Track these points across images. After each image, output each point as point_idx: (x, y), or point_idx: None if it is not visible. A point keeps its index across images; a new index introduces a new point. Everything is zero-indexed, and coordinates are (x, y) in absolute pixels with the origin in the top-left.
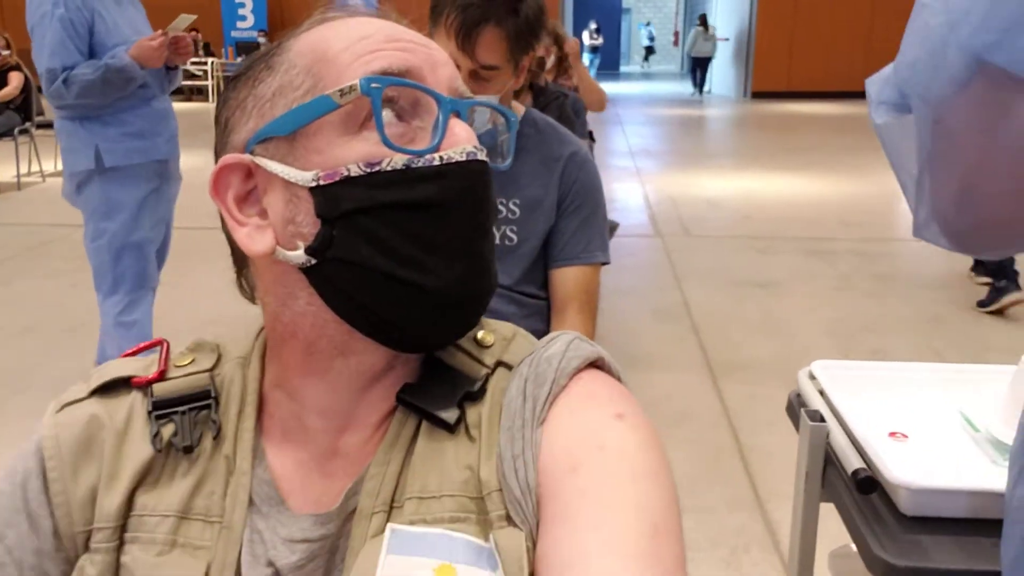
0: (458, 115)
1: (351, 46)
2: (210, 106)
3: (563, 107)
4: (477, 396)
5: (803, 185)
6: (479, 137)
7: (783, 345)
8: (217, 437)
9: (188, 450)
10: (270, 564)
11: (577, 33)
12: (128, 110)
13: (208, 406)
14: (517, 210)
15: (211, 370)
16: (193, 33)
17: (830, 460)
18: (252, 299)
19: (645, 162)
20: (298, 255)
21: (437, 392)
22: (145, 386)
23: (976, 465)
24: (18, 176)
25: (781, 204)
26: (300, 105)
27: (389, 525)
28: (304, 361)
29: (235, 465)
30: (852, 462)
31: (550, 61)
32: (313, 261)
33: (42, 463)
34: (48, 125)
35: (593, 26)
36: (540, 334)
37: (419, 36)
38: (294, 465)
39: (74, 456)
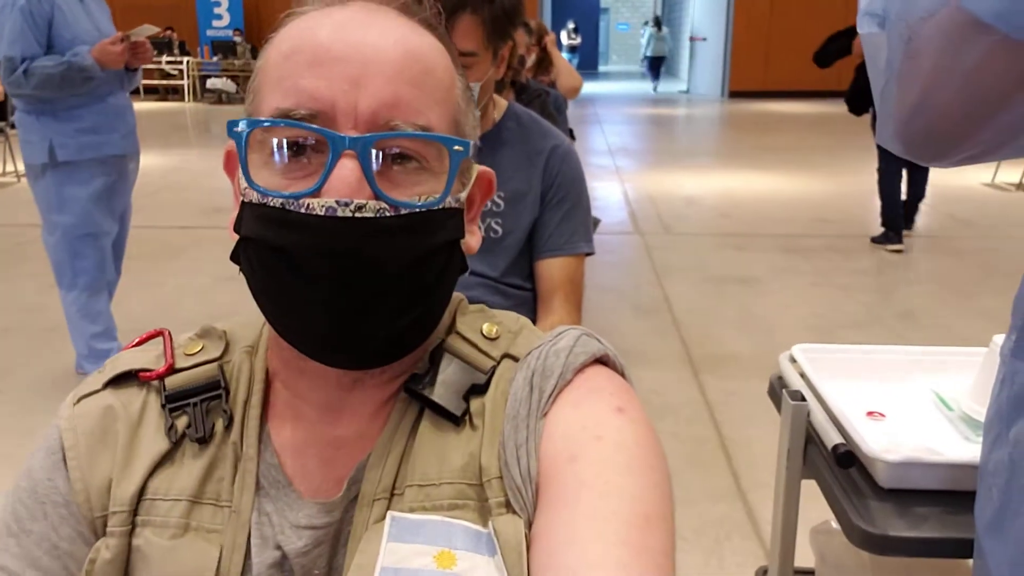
0: (358, 154)
1: (277, 65)
2: (185, 105)
3: (545, 104)
4: (483, 389)
5: (779, 183)
6: None
7: (762, 340)
8: (229, 426)
9: (202, 441)
10: (278, 547)
11: (555, 32)
12: (82, 106)
13: (219, 396)
14: (501, 203)
15: (220, 359)
16: (168, 32)
17: (810, 439)
18: None
19: (624, 160)
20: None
21: (443, 382)
22: (157, 379)
23: (950, 441)
24: None
25: (758, 202)
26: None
27: (389, 513)
28: (291, 356)
29: (242, 451)
30: (832, 438)
31: (530, 60)
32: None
33: (62, 453)
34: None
35: (571, 25)
36: None
37: (364, 42)
38: (298, 451)
39: (91, 446)
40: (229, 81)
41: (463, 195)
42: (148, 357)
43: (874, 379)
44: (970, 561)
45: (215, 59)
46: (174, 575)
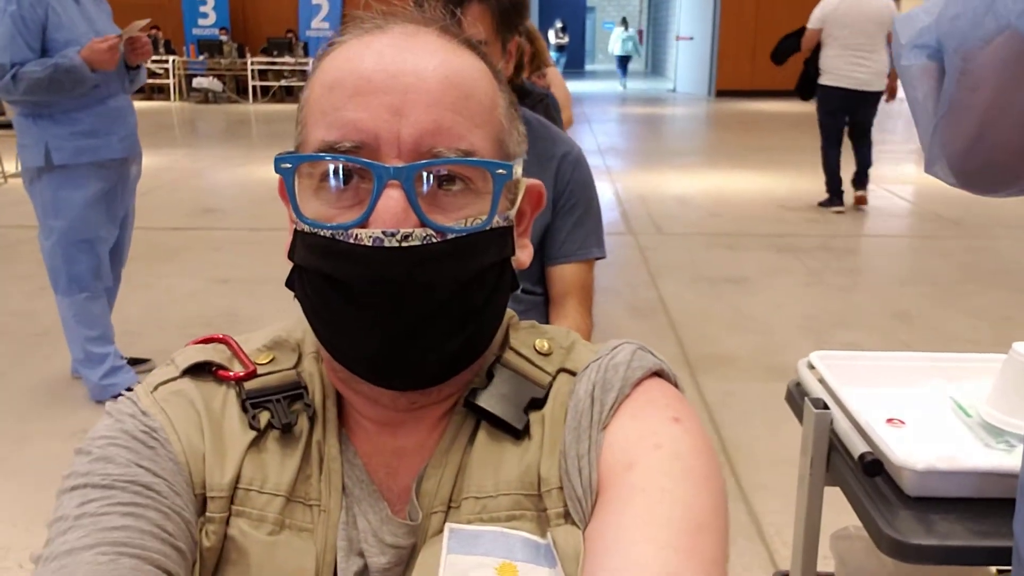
0: (402, 184)
1: (321, 98)
2: (172, 105)
3: (548, 108)
4: (542, 403)
5: (768, 182)
6: None
7: (758, 340)
8: (313, 421)
9: (287, 428)
10: (361, 555)
11: (543, 32)
12: (80, 108)
13: (299, 395)
14: None
15: (295, 367)
16: (153, 31)
17: (833, 446)
18: None
19: (614, 160)
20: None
21: (503, 396)
22: (235, 382)
23: (971, 448)
24: None
25: (748, 201)
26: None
27: (447, 524)
28: (346, 376)
29: (325, 451)
30: (857, 447)
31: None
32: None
33: (152, 434)
34: (9, 125)
35: (559, 25)
36: None
37: (403, 70)
38: (368, 457)
39: (181, 423)
40: (215, 80)
41: (512, 212)
42: (220, 355)
43: (891, 385)
44: (994, 568)
45: (201, 58)
46: (275, 571)
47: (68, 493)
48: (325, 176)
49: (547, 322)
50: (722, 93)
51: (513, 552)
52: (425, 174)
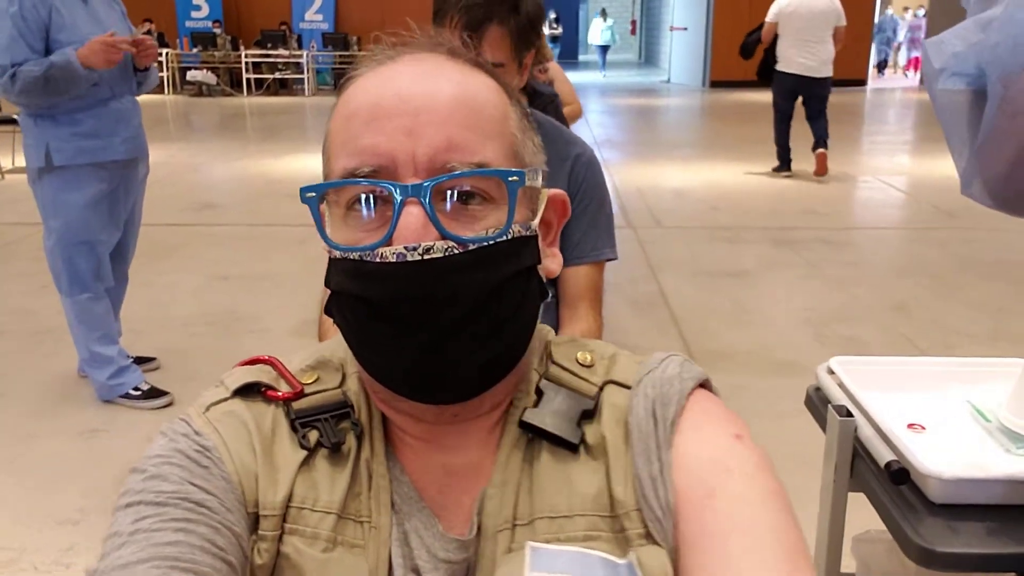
0: (421, 200)
1: (340, 129)
2: (165, 98)
3: (558, 109)
4: (592, 414)
5: (765, 175)
6: None
7: (760, 334)
8: (360, 439)
9: (336, 447)
10: (416, 571)
11: None
12: (82, 109)
13: (346, 414)
14: None
15: (340, 386)
16: (148, 24)
17: (856, 452)
18: None
19: (610, 153)
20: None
21: (555, 412)
22: (283, 402)
23: (992, 454)
24: None
25: (745, 194)
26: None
27: (528, 543)
28: (387, 396)
29: (373, 468)
30: (883, 454)
31: None
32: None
33: (206, 453)
34: (7, 121)
35: (552, 15)
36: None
37: (414, 94)
38: (417, 475)
39: (234, 444)
40: (209, 73)
41: (535, 222)
42: (266, 376)
43: (910, 391)
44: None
45: (195, 51)
46: None
47: (123, 510)
48: (350, 203)
49: (557, 323)
50: (716, 84)
51: (593, 571)
52: (447, 191)
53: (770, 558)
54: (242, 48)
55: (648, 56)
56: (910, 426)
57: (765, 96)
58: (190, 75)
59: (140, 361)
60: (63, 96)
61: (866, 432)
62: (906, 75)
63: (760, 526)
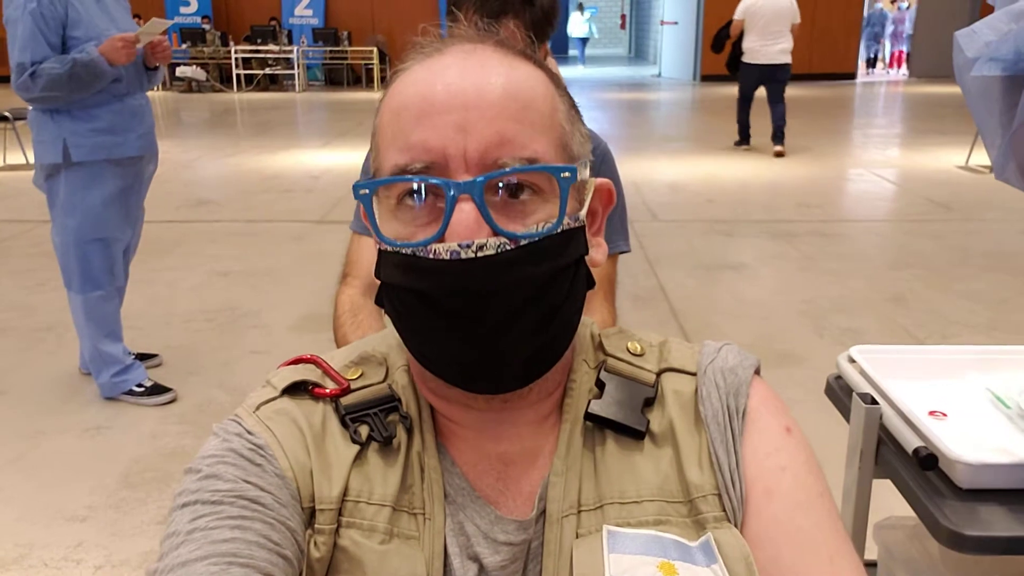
0: (472, 197)
1: (390, 124)
2: (155, 94)
3: None
4: (653, 401)
5: (758, 168)
6: None
7: (759, 326)
8: (410, 432)
9: (388, 441)
10: (475, 559)
11: None
12: (99, 105)
13: (395, 408)
14: None
15: (385, 381)
16: (135, 19)
17: (880, 439)
18: None
19: None
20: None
21: (618, 402)
22: (331, 398)
23: (1015, 440)
24: None
25: (740, 187)
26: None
27: (605, 527)
28: (437, 386)
29: (425, 461)
30: (909, 440)
31: None
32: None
33: (260, 451)
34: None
35: None
36: None
37: (464, 88)
38: (470, 464)
39: (287, 441)
40: (199, 69)
41: (582, 212)
42: (312, 374)
43: (929, 379)
44: None
45: (184, 47)
46: None
47: (180, 510)
48: (401, 197)
49: None
50: (707, 78)
51: (668, 552)
52: (497, 185)
53: (813, 562)
54: (231, 44)
55: (638, 50)
56: (931, 413)
57: (758, 90)
58: (179, 71)
59: (142, 358)
60: (85, 93)
61: (891, 419)
62: (888, 72)
63: (806, 531)
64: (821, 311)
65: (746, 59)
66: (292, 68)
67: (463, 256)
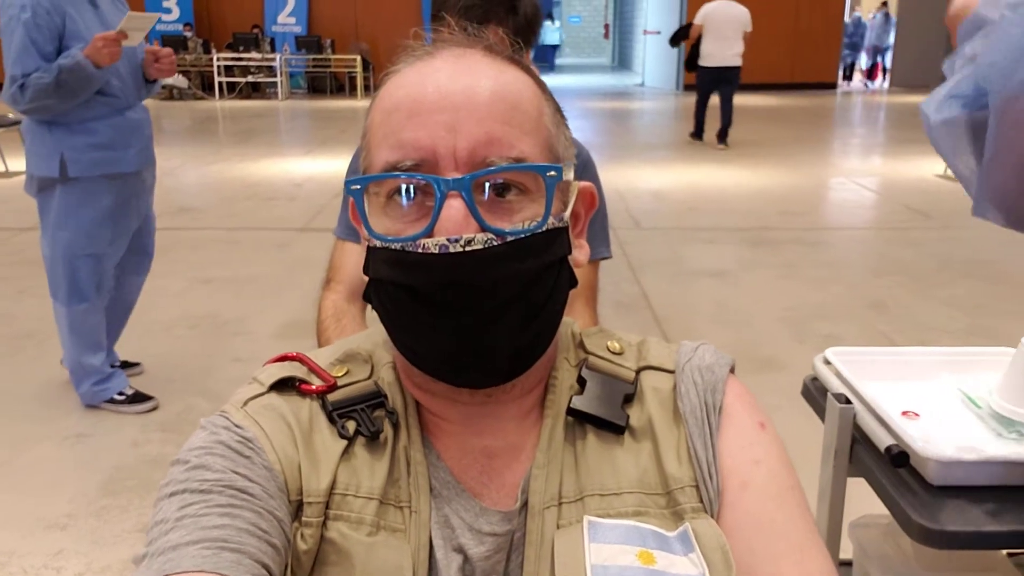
0: (463, 194)
1: (382, 123)
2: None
3: None
4: (632, 397)
5: (742, 176)
6: None
7: (741, 333)
8: (396, 427)
9: (375, 435)
10: (459, 550)
11: None
12: (97, 120)
13: (381, 403)
14: None
15: (371, 377)
16: None
17: (854, 438)
18: None
19: None
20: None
21: (598, 398)
22: (317, 395)
23: (985, 438)
24: None
25: (722, 195)
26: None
27: (586, 517)
28: (422, 381)
29: (411, 455)
30: (883, 439)
31: None
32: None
33: (249, 443)
34: None
35: None
36: None
37: (454, 90)
38: (454, 459)
39: (276, 435)
40: (180, 77)
41: (566, 213)
42: (298, 371)
43: (902, 380)
44: (1004, 552)
45: None
46: (376, 570)
47: (167, 499)
48: (391, 194)
49: None
50: (690, 87)
51: (647, 542)
52: (485, 184)
53: (784, 551)
54: (214, 51)
55: (622, 59)
56: (904, 413)
57: (738, 99)
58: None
59: (125, 366)
60: (76, 100)
61: (865, 418)
62: (866, 85)
63: (778, 523)
64: (802, 318)
65: (702, 63)
66: (275, 76)
67: (451, 250)
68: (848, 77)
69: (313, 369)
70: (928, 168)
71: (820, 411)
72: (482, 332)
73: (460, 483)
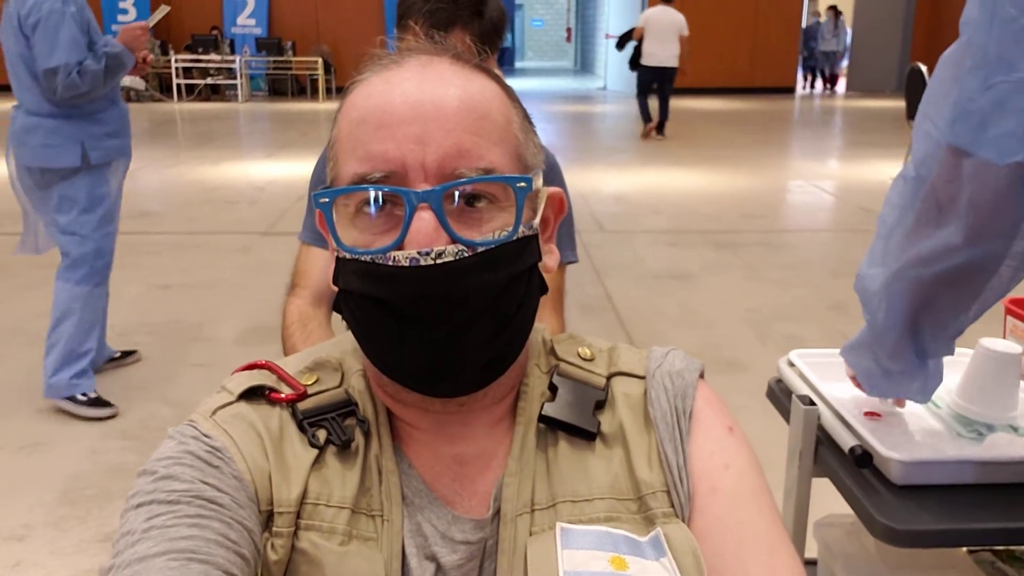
0: (431, 205)
1: (349, 134)
2: None
3: None
4: (603, 404)
5: (704, 180)
6: None
7: (705, 335)
8: (368, 435)
9: (346, 444)
10: (432, 559)
11: None
12: (103, 111)
13: (351, 412)
14: None
15: (341, 385)
16: None
17: (819, 439)
18: None
19: None
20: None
21: (569, 404)
22: (287, 403)
23: (945, 438)
24: None
25: (685, 198)
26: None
27: (558, 524)
28: (394, 390)
29: (383, 464)
30: (846, 440)
31: None
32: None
33: (217, 453)
34: None
35: None
36: None
37: (422, 100)
38: (426, 466)
39: (245, 444)
40: (138, 79)
41: (536, 221)
42: (267, 380)
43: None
44: (964, 549)
45: None
46: None
47: (134, 510)
48: (360, 206)
49: None
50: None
51: (619, 547)
52: (455, 194)
53: (754, 553)
54: (172, 53)
55: (584, 63)
56: (867, 414)
57: (699, 103)
58: None
59: (125, 355)
60: (108, 87)
61: (829, 420)
62: (825, 90)
63: (747, 525)
64: (765, 319)
65: (643, 61)
66: (234, 78)
67: (422, 263)
68: (812, 83)
69: (283, 377)
70: (884, 171)
71: (785, 413)
72: (454, 344)
73: (432, 491)
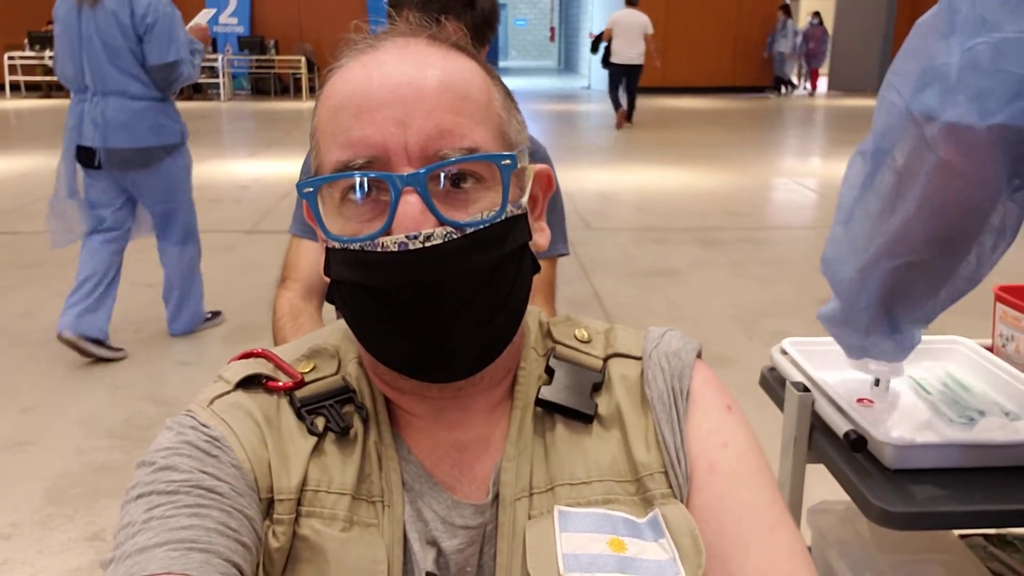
0: (418, 189)
1: (329, 122)
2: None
3: None
4: (601, 386)
5: (688, 177)
6: None
7: (693, 331)
8: (366, 422)
9: (345, 431)
10: (433, 543)
11: None
12: (169, 99)
13: (350, 399)
14: None
15: (338, 373)
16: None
17: (813, 425)
18: None
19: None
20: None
21: (567, 388)
22: (285, 392)
23: (937, 423)
24: None
25: (670, 196)
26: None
27: (556, 507)
28: (390, 378)
29: (382, 451)
30: (840, 425)
31: None
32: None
33: (216, 442)
34: None
35: None
36: None
37: (400, 83)
38: (425, 452)
39: (244, 433)
40: None
41: (524, 199)
42: (264, 368)
43: (856, 368)
44: (956, 532)
45: None
46: (351, 565)
47: (134, 502)
48: (345, 193)
49: None
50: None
51: (617, 529)
52: (439, 175)
53: (755, 532)
54: None
55: (568, 63)
56: (860, 400)
57: (683, 102)
58: None
59: (214, 315)
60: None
61: (823, 406)
62: (805, 89)
63: (747, 504)
64: (751, 315)
65: (612, 59)
66: (217, 77)
67: (411, 247)
68: (794, 84)
69: (279, 365)
70: None
71: (778, 401)
72: (447, 327)
73: (432, 477)
